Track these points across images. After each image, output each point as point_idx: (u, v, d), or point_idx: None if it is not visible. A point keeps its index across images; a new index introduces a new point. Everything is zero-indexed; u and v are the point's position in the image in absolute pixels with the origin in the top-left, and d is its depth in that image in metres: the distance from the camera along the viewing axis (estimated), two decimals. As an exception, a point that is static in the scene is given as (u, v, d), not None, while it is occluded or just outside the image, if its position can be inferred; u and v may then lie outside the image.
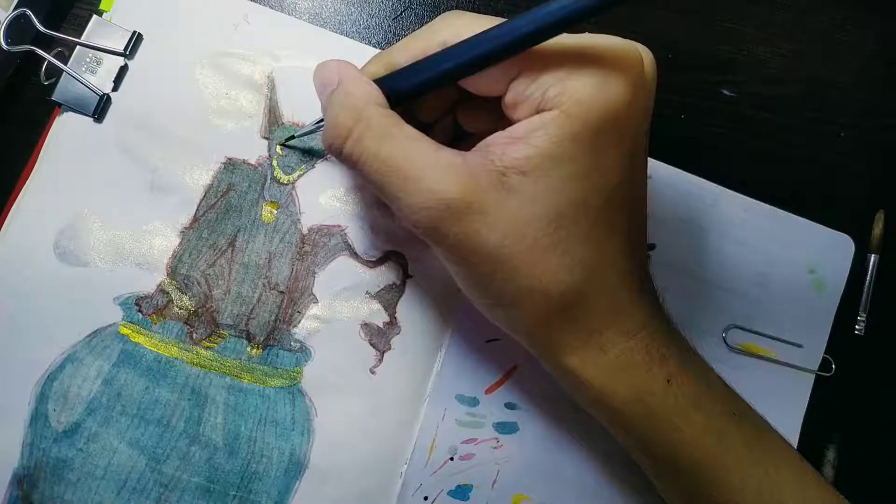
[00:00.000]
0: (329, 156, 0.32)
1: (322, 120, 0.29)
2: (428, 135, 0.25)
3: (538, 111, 0.23)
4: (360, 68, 0.27)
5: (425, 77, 0.25)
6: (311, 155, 0.32)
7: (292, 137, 0.32)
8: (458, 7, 0.35)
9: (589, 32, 0.24)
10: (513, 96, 0.24)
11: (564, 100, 0.23)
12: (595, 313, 0.25)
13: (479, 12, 0.25)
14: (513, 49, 0.23)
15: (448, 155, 0.24)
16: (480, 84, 0.25)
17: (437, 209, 0.23)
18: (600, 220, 0.24)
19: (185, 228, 0.31)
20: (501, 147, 0.24)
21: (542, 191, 0.23)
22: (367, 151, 0.24)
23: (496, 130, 0.24)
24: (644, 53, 0.24)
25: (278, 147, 0.32)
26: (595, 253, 0.24)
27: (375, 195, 0.32)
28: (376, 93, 0.25)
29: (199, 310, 0.31)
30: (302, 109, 0.32)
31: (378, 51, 0.34)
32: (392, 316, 0.32)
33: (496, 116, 0.26)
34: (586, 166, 0.23)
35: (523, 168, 0.23)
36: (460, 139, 0.30)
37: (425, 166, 0.23)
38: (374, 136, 0.24)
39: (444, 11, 0.26)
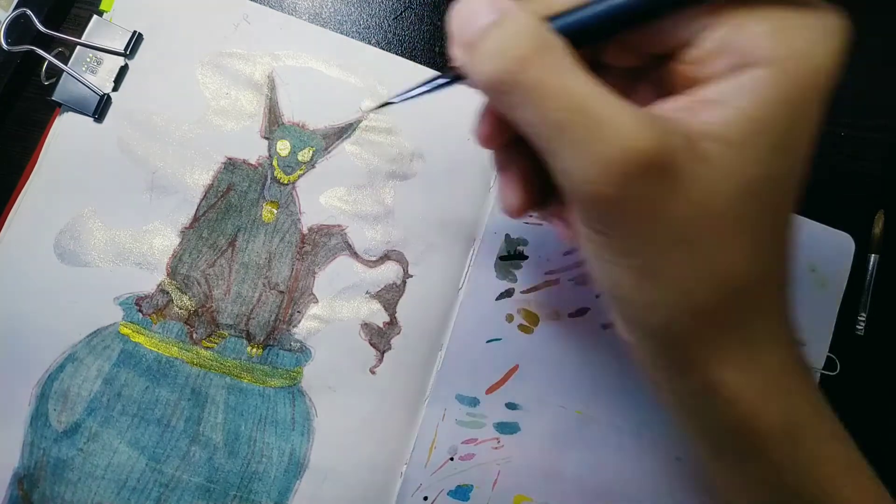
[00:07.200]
0: (329, 156, 0.32)
1: (436, 77, 0.22)
2: None
3: (740, 66, 0.19)
4: None
5: (605, 13, 0.20)
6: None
7: (388, 104, 0.24)
8: None
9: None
10: (707, 48, 0.19)
11: (780, 54, 0.18)
12: (759, 314, 0.21)
13: None
14: None
15: (636, 106, 0.19)
16: (663, 32, 0.20)
17: (627, 163, 0.18)
18: (784, 204, 0.20)
19: (185, 228, 0.31)
20: (688, 111, 0.19)
21: (737, 162, 0.19)
22: (548, 83, 0.19)
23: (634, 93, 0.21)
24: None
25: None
26: (773, 241, 0.21)
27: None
28: (549, 26, 0.20)
29: (199, 310, 0.31)
30: (302, 109, 0.32)
31: (378, 51, 0.34)
32: (392, 316, 0.32)
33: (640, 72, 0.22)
34: (790, 138, 0.19)
35: (721, 133, 0.19)
36: None
37: (618, 110, 0.18)
38: (558, 66, 0.19)
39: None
